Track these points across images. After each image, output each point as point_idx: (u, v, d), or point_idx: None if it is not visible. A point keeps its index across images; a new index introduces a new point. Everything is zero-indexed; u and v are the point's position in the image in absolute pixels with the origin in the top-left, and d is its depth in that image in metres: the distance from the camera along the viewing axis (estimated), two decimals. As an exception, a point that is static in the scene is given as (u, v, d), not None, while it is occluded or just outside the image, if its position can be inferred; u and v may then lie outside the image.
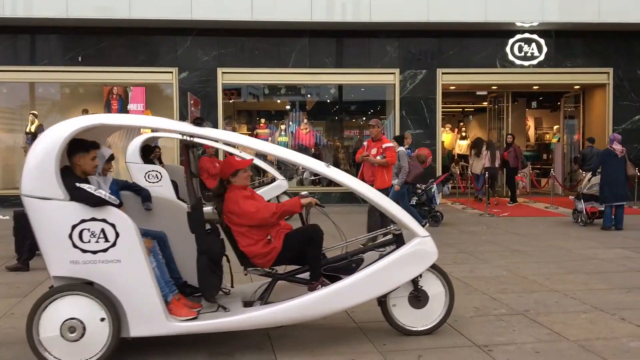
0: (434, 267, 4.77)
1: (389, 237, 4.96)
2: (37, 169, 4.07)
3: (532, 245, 8.96)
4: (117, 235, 4.10)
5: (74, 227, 4.06)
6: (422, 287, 4.76)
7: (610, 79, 15.27)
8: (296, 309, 4.42)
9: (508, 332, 4.88)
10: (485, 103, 18.94)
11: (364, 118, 16.09)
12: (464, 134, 20.80)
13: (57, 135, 4.13)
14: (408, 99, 14.80)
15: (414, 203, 10.60)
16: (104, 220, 4.08)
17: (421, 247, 4.66)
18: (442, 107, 15.39)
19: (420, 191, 10.92)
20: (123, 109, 14.86)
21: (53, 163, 4.04)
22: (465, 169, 17.08)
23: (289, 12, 13.68)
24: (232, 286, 5.04)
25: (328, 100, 16.43)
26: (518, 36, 14.93)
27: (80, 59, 14.21)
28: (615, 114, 15.34)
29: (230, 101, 15.71)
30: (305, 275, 4.81)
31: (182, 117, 14.45)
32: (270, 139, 15.46)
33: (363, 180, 8.25)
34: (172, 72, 14.41)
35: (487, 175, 13.25)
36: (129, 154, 11.44)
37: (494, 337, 4.75)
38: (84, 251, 4.08)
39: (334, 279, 4.71)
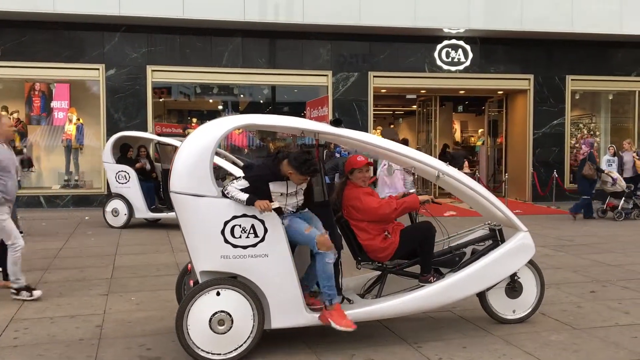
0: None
1: (486, 231, 5.26)
2: (191, 168, 4.19)
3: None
4: (266, 230, 4.25)
5: (226, 223, 4.18)
6: (518, 278, 5.08)
7: (531, 85, 16.04)
8: (422, 300, 4.71)
9: (436, 329, 5.04)
10: (415, 106, 19.43)
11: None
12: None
13: (211, 135, 4.26)
14: (340, 100, 14.99)
15: None
16: (253, 217, 4.22)
17: (525, 242, 5.02)
18: (374, 110, 15.68)
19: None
20: (46, 106, 14.26)
21: (207, 162, 4.18)
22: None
23: (222, 10, 13.55)
24: None
25: (261, 101, 16.36)
26: (445, 42, 15.42)
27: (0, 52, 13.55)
28: (535, 119, 16.12)
29: (161, 100, 15.39)
30: (412, 269, 5.02)
31: (110, 116, 14.03)
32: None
33: None
34: (98, 69, 13.97)
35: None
36: (104, 154, 11.22)
37: (422, 334, 4.89)
38: (235, 246, 4.21)
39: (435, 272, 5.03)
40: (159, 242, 9.43)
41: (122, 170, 10.87)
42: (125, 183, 10.81)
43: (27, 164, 14.35)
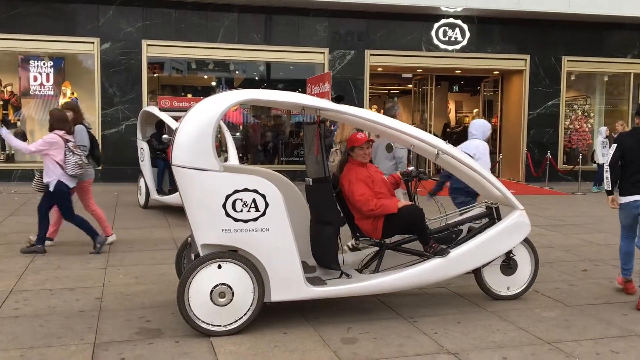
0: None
1: (482, 209, 5.33)
2: (194, 142, 4.20)
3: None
4: (267, 205, 4.28)
5: (227, 197, 4.21)
6: (513, 255, 5.16)
7: (527, 65, 16.03)
8: (418, 275, 4.78)
9: (431, 304, 5.12)
10: (410, 85, 19.39)
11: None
12: (389, 115, 21.16)
13: (213, 109, 4.28)
14: (337, 78, 14.90)
15: None
16: (255, 191, 4.25)
17: (521, 220, 5.12)
18: (370, 88, 15.65)
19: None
20: (40, 80, 14.13)
21: (210, 136, 4.18)
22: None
23: (218, -15, 13.42)
24: None
25: (256, 78, 16.27)
26: (443, 21, 15.35)
27: (-8, 25, 13.38)
28: (530, 99, 16.15)
29: (155, 75, 15.27)
30: (411, 245, 5.10)
31: (104, 90, 13.93)
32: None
33: None
34: (93, 43, 13.83)
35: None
36: (138, 131, 10.83)
37: (418, 309, 4.97)
38: (236, 220, 4.24)
39: None
40: (154, 218, 9.45)
41: (141, 148, 10.36)
42: (142, 161, 10.30)
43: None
